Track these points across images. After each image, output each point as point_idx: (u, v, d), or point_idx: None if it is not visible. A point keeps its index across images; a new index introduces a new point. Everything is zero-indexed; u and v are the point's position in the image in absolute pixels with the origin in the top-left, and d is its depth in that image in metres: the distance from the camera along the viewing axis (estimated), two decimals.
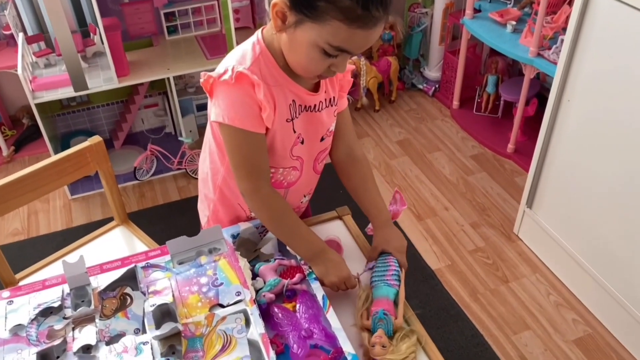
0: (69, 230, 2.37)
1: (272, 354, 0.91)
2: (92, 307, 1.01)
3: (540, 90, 2.71)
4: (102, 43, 2.21)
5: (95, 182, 2.57)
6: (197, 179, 2.56)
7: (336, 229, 1.28)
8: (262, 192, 1.08)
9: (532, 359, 1.82)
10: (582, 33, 1.71)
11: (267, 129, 1.05)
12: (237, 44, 1.27)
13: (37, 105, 2.21)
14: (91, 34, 2.47)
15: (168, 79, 2.43)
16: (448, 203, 2.45)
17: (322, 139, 1.15)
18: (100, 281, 1.06)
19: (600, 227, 1.84)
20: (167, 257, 1.11)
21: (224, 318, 0.98)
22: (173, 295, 1.01)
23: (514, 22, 2.50)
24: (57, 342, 0.95)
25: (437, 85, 3.15)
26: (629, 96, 1.61)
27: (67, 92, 2.26)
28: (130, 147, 2.78)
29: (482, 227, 2.32)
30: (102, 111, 2.78)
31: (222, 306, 1.00)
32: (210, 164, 1.20)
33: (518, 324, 1.93)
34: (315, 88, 1.09)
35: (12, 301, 1.03)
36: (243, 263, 1.08)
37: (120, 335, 0.96)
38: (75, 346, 0.94)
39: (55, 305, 1.01)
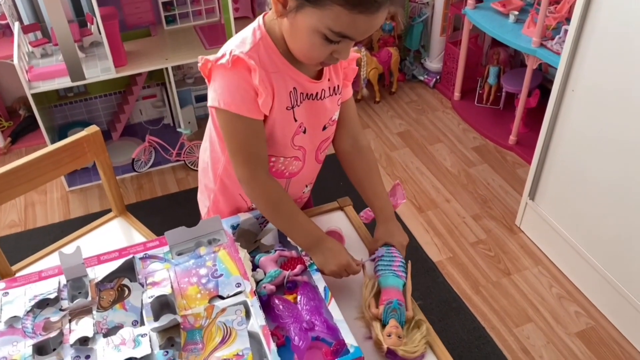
0: (66, 222, 2.35)
1: (273, 346, 0.89)
2: (89, 298, 0.99)
3: (542, 81, 2.69)
4: (100, 33, 2.18)
5: (92, 174, 2.55)
6: (196, 170, 2.56)
7: (337, 219, 1.26)
8: (260, 179, 1.06)
9: (534, 351, 1.81)
10: (587, 22, 1.69)
11: (265, 116, 1.03)
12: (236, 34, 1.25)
13: (33, 95, 2.18)
14: (88, 24, 2.44)
15: (166, 69, 2.40)
16: (449, 195, 2.43)
17: (324, 128, 1.13)
18: (98, 272, 1.04)
19: (604, 219, 1.82)
20: (166, 248, 1.09)
21: (223, 310, 0.96)
22: (172, 287, 1.00)
23: (516, 12, 2.48)
24: (53, 334, 0.93)
25: (438, 77, 3.12)
26: (634, 86, 1.59)
27: (64, 82, 2.23)
28: (129, 139, 2.76)
29: (483, 219, 2.30)
30: (99, 102, 2.75)
31: (221, 298, 0.99)
32: (211, 153, 1.17)
33: (520, 316, 1.92)
34: (318, 75, 1.07)
35: (8, 292, 1.01)
36: (243, 254, 1.06)
37: (118, 327, 0.94)
38: (72, 338, 0.92)
39: (52, 296, 0.99)
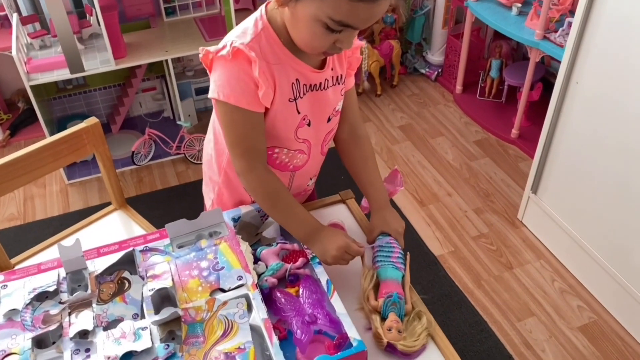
0: (65, 215, 2.33)
1: (275, 339, 0.88)
2: (89, 291, 0.98)
3: (545, 74, 2.67)
4: (99, 24, 2.16)
5: (92, 167, 2.53)
6: (196, 164, 2.55)
7: (340, 212, 1.25)
8: (257, 171, 1.05)
9: (536, 345, 1.80)
10: (592, 13, 1.67)
11: (267, 108, 1.01)
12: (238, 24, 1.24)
13: (32, 87, 2.17)
14: (87, 15, 2.42)
15: (166, 61, 2.38)
16: (451, 189, 2.42)
17: (329, 120, 1.12)
18: (97, 265, 1.03)
19: (607, 212, 1.81)
20: (167, 241, 1.07)
21: (225, 303, 0.95)
22: (172, 280, 0.98)
23: (519, 5, 2.46)
24: (52, 327, 0.92)
25: (439, 70, 3.10)
26: (639, 78, 1.57)
27: (63, 74, 2.21)
28: (128, 132, 2.74)
29: (485, 213, 2.29)
30: (99, 95, 2.73)
31: (223, 291, 0.97)
32: (215, 146, 1.16)
33: (522, 310, 1.91)
34: (322, 65, 1.05)
35: (6, 285, 1.00)
36: (244, 247, 1.05)
37: (118, 321, 0.93)
38: (72, 331, 0.91)
39: (51, 289, 0.98)
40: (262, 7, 1.01)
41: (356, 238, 1.16)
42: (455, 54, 2.90)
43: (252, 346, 0.88)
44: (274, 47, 0.98)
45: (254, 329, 0.91)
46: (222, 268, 1.01)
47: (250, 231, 1.13)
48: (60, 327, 0.93)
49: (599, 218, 1.85)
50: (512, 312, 1.91)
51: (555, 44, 2.22)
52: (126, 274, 1.01)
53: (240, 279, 0.98)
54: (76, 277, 1.01)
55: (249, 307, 0.94)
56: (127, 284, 0.99)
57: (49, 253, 1.45)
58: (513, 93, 2.77)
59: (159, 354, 0.88)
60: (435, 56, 3.11)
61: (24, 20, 2.35)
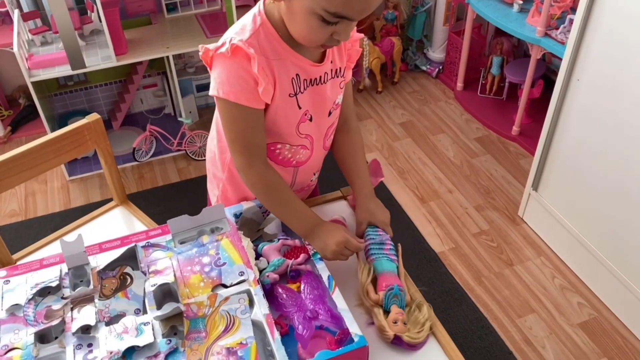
0: (67, 211, 2.34)
1: (277, 335, 0.89)
2: (91, 287, 0.98)
3: (546, 71, 2.67)
4: (100, 20, 2.16)
5: (93, 163, 2.53)
6: (197, 160, 2.55)
7: (341, 208, 1.25)
8: (256, 167, 1.05)
9: (536, 342, 1.81)
10: (594, 10, 1.67)
11: (267, 104, 1.01)
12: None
13: (33, 83, 2.17)
14: (88, 11, 2.42)
15: (167, 58, 2.38)
16: (452, 186, 2.42)
17: (330, 114, 1.12)
18: (99, 261, 1.03)
19: (607, 209, 1.81)
20: (168, 237, 1.08)
21: (227, 298, 0.95)
22: (174, 275, 0.99)
23: (520, 2, 2.45)
24: (55, 322, 0.93)
25: (440, 67, 3.10)
26: None
27: (64, 70, 2.21)
28: (129, 128, 2.74)
29: (486, 210, 2.29)
30: (100, 91, 2.73)
31: (225, 286, 0.98)
32: (219, 142, 1.16)
33: (523, 307, 1.91)
34: (321, 59, 1.05)
35: (9, 280, 1.00)
36: (246, 243, 1.05)
37: (121, 316, 0.94)
38: (74, 326, 0.91)
39: (53, 284, 0.98)
40: (260, 3, 1.01)
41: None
42: (456, 51, 2.90)
43: (254, 341, 0.89)
44: (272, 42, 0.98)
45: (256, 325, 0.92)
46: (224, 264, 1.01)
47: (251, 227, 1.13)
48: (63, 322, 0.93)
49: (599, 215, 1.85)
50: (513, 309, 1.91)
51: (556, 41, 2.22)
52: (128, 270, 1.01)
53: (242, 275, 0.98)
54: (78, 273, 1.01)
55: (251, 303, 0.95)
56: (129, 280, 1.00)
57: (51, 249, 1.46)
58: (514, 90, 2.77)
59: (161, 349, 0.88)
60: (436, 53, 3.11)
61: (25, 17, 2.35)
